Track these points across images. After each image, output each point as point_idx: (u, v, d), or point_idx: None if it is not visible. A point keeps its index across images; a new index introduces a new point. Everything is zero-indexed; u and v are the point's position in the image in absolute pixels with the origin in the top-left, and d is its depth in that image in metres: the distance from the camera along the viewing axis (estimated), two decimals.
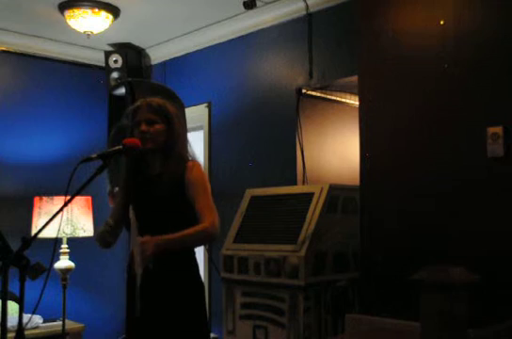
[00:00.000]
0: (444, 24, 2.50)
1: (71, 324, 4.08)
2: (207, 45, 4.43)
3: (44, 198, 4.02)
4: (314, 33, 3.70)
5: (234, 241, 3.17)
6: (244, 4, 3.76)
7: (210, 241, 2.83)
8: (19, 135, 4.44)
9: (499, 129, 2.29)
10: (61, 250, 4.05)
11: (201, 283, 2.48)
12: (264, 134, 3.95)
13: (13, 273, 1.71)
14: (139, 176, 2.50)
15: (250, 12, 3.94)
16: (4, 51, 4.43)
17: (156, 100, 2.47)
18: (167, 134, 2.43)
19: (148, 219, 2.41)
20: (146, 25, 4.31)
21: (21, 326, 1.75)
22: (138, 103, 2.48)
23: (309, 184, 3.65)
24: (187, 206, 2.40)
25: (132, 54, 4.67)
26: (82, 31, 4.02)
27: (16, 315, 1.83)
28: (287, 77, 3.86)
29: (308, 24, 3.72)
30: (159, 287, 2.36)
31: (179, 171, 2.42)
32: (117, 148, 2.29)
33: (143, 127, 2.40)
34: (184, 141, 2.54)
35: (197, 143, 3.87)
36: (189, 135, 2.89)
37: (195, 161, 2.50)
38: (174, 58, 4.73)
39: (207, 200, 2.42)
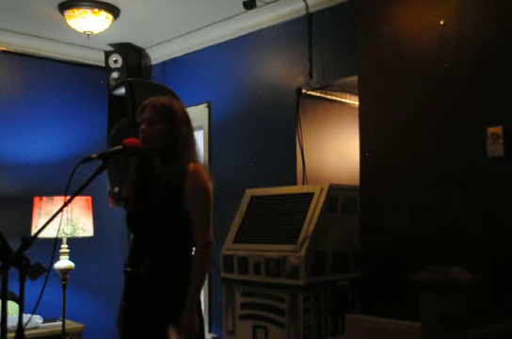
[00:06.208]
0: (444, 24, 2.50)
1: (71, 324, 4.08)
2: (207, 45, 4.43)
3: (44, 198, 4.01)
4: (314, 33, 3.70)
5: (234, 241, 3.17)
6: (244, 4, 3.76)
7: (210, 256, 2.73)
8: (19, 135, 4.44)
9: (499, 129, 2.29)
10: (61, 250, 4.05)
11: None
12: (264, 134, 3.95)
13: (13, 273, 1.71)
14: (146, 179, 2.42)
15: (250, 12, 3.94)
16: (4, 51, 4.43)
17: (162, 100, 2.41)
18: (169, 134, 2.35)
19: (139, 226, 2.37)
20: (146, 25, 4.31)
21: (21, 326, 1.75)
22: (146, 101, 2.43)
23: (309, 184, 3.65)
24: (182, 214, 2.30)
25: (132, 54, 4.67)
26: (82, 31, 4.02)
27: (16, 315, 1.82)
28: (287, 77, 3.86)
29: (308, 24, 3.72)
30: (151, 292, 2.27)
31: (178, 174, 2.31)
32: (117, 148, 2.29)
33: (143, 126, 2.36)
34: (189, 142, 2.40)
35: None
36: None
37: (197, 163, 2.35)
38: (174, 58, 4.73)
39: (202, 213, 2.30)
